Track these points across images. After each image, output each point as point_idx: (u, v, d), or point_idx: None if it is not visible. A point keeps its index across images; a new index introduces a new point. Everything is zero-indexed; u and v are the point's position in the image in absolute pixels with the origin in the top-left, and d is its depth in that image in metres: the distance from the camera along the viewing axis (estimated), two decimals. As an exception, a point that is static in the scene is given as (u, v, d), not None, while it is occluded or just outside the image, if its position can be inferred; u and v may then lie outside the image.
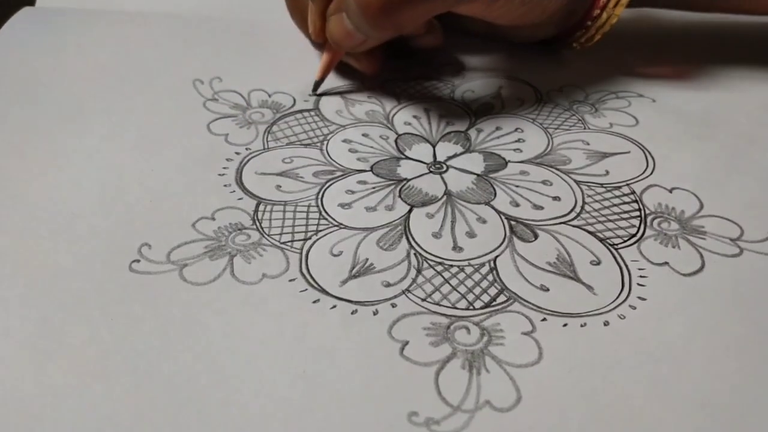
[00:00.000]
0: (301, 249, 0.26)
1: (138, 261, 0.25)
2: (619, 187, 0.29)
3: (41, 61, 0.36)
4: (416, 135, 0.32)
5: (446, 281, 0.25)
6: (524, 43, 0.39)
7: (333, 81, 0.36)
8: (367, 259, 0.25)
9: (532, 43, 0.38)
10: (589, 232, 0.27)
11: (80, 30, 0.38)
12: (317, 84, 0.35)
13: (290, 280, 0.25)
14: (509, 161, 0.31)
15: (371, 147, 0.32)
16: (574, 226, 0.27)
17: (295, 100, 0.35)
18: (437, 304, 0.24)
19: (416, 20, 0.31)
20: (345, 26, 0.31)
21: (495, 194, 0.29)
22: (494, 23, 0.34)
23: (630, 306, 0.24)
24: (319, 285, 0.24)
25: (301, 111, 0.34)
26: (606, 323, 0.23)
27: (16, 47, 0.36)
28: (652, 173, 0.30)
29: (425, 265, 0.25)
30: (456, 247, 0.26)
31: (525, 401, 0.21)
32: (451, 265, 0.25)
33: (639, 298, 0.24)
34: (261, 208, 0.28)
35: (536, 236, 0.27)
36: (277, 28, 0.40)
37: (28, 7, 0.40)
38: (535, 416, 0.20)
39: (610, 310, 0.24)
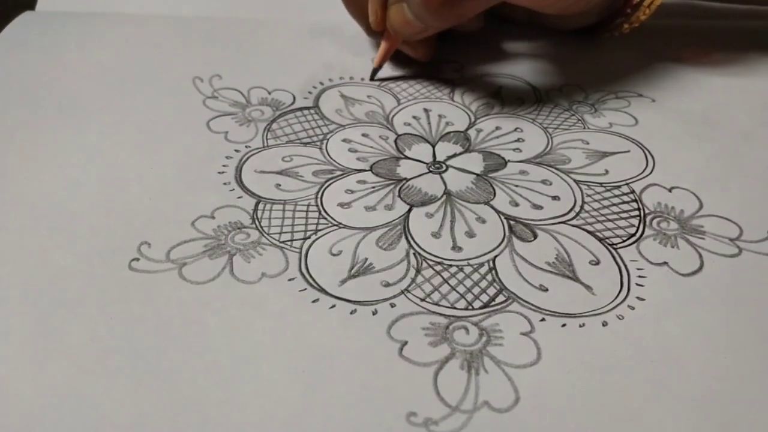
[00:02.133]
0: (301, 248, 0.26)
1: (137, 259, 0.25)
2: (619, 187, 0.29)
3: (41, 62, 0.36)
4: (416, 135, 0.32)
5: (445, 281, 0.25)
6: (564, 30, 0.40)
7: (386, 70, 0.37)
8: (366, 259, 0.25)
9: (572, 31, 0.39)
10: (589, 232, 0.27)
11: (80, 32, 0.38)
12: (375, 71, 0.36)
13: (289, 280, 0.25)
14: (509, 161, 0.31)
15: (371, 147, 0.32)
16: (573, 225, 0.27)
17: (294, 98, 0.35)
18: (436, 304, 0.24)
19: (477, 10, 0.32)
20: (406, 16, 0.32)
21: (494, 194, 0.29)
22: (540, 12, 0.35)
23: (629, 306, 0.24)
24: (318, 284, 0.24)
25: (300, 109, 0.34)
26: (604, 323, 0.23)
27: (17, 50, 0.36)
28: (651, 172, 0.30)
29: (424, 264, 0.25)
30: (455, 247, 0.26)
31: (523, 402, 0.21)
32: (450, 265, 0.25)
33: (638, 298, 0.24)
34: (260, 206, 0.28)
35: (535, 236, 0.27)
36: (277, 26, 0.40)
37: (29, 11, 0.40)
38: (534, 417, 0.20)
39: (608, 311, 0.24)
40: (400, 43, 0.35)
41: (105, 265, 0.25)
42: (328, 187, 0.29)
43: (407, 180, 0.30)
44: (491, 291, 0.24)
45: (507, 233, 0.27)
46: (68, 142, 0.31)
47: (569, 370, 0.22)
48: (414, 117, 0.34)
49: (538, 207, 0.28)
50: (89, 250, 0.25)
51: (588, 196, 0.29)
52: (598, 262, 0.26)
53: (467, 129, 0.33)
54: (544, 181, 0.30)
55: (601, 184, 0.29)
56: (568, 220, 0.27)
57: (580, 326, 0.23)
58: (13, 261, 0.25)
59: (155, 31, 0.39)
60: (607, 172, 0.30)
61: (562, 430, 0.20)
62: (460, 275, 0.25)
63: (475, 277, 0.25)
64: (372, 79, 0.36)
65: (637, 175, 0.30)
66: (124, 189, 0.28)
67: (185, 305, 0.24)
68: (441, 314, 0.24)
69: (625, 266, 0.25)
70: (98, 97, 0.34)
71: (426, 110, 0.34)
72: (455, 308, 0.24)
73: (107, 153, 0.30)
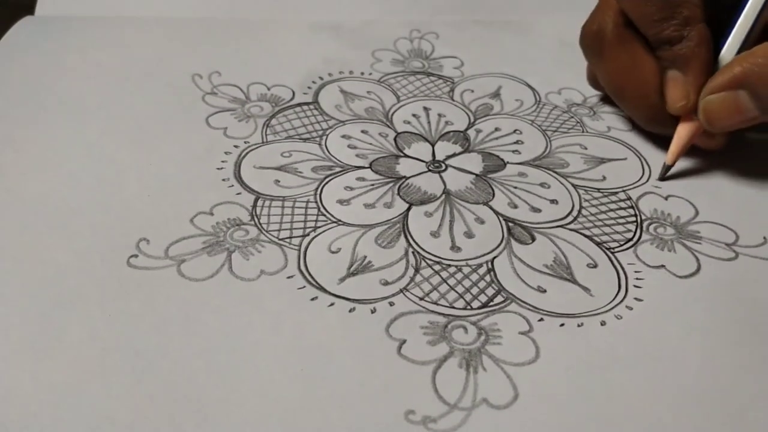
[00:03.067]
0: (300, 245, 0.26)
1: (136, 256, 0.25)
2: (616, 193, 0.29)
3: (42, 63, 0.36)
4: (415, 134, 0.33)
5: (444, 281, 0.25)
6: None
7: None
8: (365, 257, 0.26)
9: None
10: (586, 236, 0.27)
11: (80, 35, 0.38)
12: (667, 169, 0.30)
13: (288, 277, 0.25)
14: (508, 162, 0.31)
15: (370, 144, 0.32)
16: (571, 229, 0.27)
17: (294, 93, 0.35)
18: (435, 303, 0.24)
19: None
20: (740, 104, 0.28)
21: (493, 195, 0.29)
22: None
23: (627, 307, 0.24)
24: (317, 282, 0.24)
25: (300, 104, 0.34)
26: (603, 323, 0.23)
27: (18, 55, 0.36)
28: (648, 180, 0.30)
29: (423, 264, 0.25)
30: (454, 247, 0.26)
31: (521, 399, 0.21)
32: (449, 265, 0.25)
33: (635, 299, 0.24)
34: (259, 203, 0.28)
35: (533, 239, 0.27)
36: (276, 23, 0.40)
37: (29, 16, 0.40)
38: (532, 414, 0.21)
39: (606, 311, 0.24)
40: (701, 132, 0.30)
41: (104, 261, 0.25)
42: (327, 183, 0.29)
43: (406, 178, 0.30)
44: (490, 291, 0.24)
45: (505, 235, 0.27)
46: (67, 139, 0.31)
47: (567, 367, 0.22)
48: (414, 115, 0.34)
49: (537, 210, 0.28)
50: (88, 246, 0.25)
51: (586, 200, 0.29)
52: (595, 265, 0.26)
53: (467, 129, 0.33)
54: (542, 184, 0.30)
55: (598, 189, 0.30)
56: (566, 224, 0.28)
57: (579, 326, 0.23)
58: (12, 258, 0.25)
59: (155, 31, 0.39)
60: (604, 178, 0.30)
61: (560, 427, 0.20)
62: (459, 275, 0.25)
63: (474, 277, 0.25)
64: (662, 178, 0.30)
65: (634, 183, 0.30)
66: (123, 185, 0.28)
67: (184, 302, 0.23)
68: (440, 313, 0.24)
69: (623, 269, 0.26)
70: (97, 94, 0.34)
71: (426, 109, 0.34)
72: (454, 307, 0.24)
73: (106, 149, 0.30)
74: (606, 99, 0.35)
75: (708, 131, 0.29)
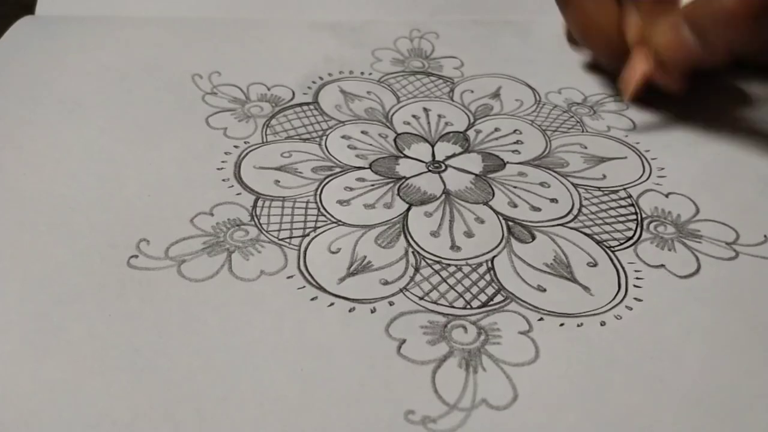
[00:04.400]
0: (300, 246, 0.26)
1: (136, 257, 0.25)
2: (616, 191, 0.29)
3: (42, 63, 0.36)
4: (415, 135, 0.33)
5: (444, 280, 0.25)
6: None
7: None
8: (365, 257, 0.26)
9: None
10: (586, 235, 0.27)
11: (81, 34, 0.38)
12: (623, 103, 0.33)
13: (288, 277, 0.25)
14: (507, 162, 0.31)
15: (370, 145, 0.32)
16: (571, 228, 0.27)
17: (294, 94, 0.35)
18: (435, 302, 0.24)
19: None
20: (682, 37, 0.28)
21: (493, 194, 0.29)
22: None
23: (626, 307, 0.24)
24: (317, 282, 0.24)
25: (300, 105, 0.34)
26: (603, 323, 0.23)
27: (18, 54, 0.36)
28: (648, 178, 0.30)
29: (423, 263, 0.25)
30: (454, 247, 0.26)
31: (521, 400, 0.21)
32: (449, 264, 0.25)
33: (635, 299, 0.24)
34: (259, 203, 0.28)
35: (534, 237, 0.27)
36: (276, 22, 0.40)
37: (29, 16, 0.40)
38: (532, 415, 0.21)
39: (606, 311, 0.24)
40: (658, 69, 0.30)
41: (103, 261, 0.25)
42: (327, 184, 0.29)
43: (406, 178, 0.30)
44: (489, 291, 0.24)
45: (505, 234, 0.27)
46: (67, 138, 0.31)
47: (567, 368, 0.22)
48: (413, 116, 0.34)
49: (537, 209, 0.28)
50: (88, 246, 0.25)
51: (586, 199, 0.29)
52: (595, 264, 0.26)
53: (466, 129, 0.33)
54: (542, 184, 0.30)
55: (598, 188, 0.30)
56: (567, 223, 0.28)
57: (578, 326, 0.23)
58: (12, 257, 0.25)
59: (155, 31, 0.39)
60: (604, 176, 0.30)
61: (560, 428, 0.20)
62: (459, 275, 0.25)
63: (474, 276, 0.25)
64: (620, 101, 0.33)
65: (634, 181, 0.30)
66: (123, 185, 0.28)
67: (184, 303, 0.23)
68: (439, 313, 0.24)
69: (623, 268, 0.26)
70: (97, 94, 0.34)
71: (425, 109, 0.34)
72: (453, 307, 0.24)
73: (106, 149, 0.30)
74: (606, 99, 0.35)
75: (665, 69, 0.30)
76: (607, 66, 0.33)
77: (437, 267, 0.25)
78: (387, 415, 0.20)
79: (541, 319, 0.24)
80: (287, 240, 0.26)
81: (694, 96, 0.35)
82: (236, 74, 0.36)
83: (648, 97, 0.34)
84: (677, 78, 0.31)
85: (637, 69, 0.30)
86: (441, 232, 0.27)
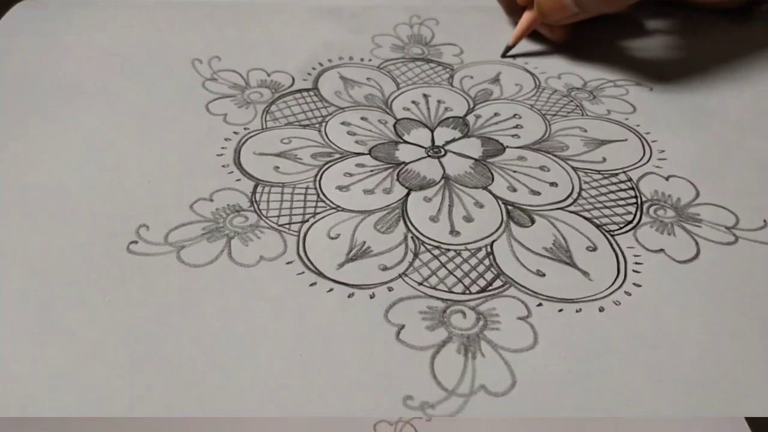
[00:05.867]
0: (299, 231, 0.26)
1: (136, 242, 0.25)
2: (616, 174, 0.29)
3: (41, 47, 0.36)
4: (414, 120, 0.32)
5: (443, 265, 0.25)
6: (716, 9, 0.40)
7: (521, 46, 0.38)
8: (364, 242, 0.26)
9: (722, 10, 0.40)
10: (586, 218, 0.27)
11: (80, 17, 0.38)
12: (508, 48, 0.37)
13: (287, 263, 0.25)
14: (507, 147, 0.31)
15: (370, 131, 0.32)
16: (570, 211, 0.27)
17: (294, 80, 0.35)
18: (434, 288, 0.24)
19: None
20: (562, 1, 0.33)
21: (492, 179, 0.29)
22: None
23: (625, 292, 0.24)
24: (316, 268, 0.25)
25: (300, 91, 0.34)
26: (601, 309, 0.23)
27: (16, 37, 0.36)
28: (648, 161, 0.30)
29: (422, 248, 0.25)
30: (453, 231, 0.26)
31: (520, 386, 0.21)
32: (448, 249, 0.25)
33: (634, 284, 0.24)
34: (259, 189, 0.28)
35: (533, 221, 0.27)
36: (276, 7, 0.40)
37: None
38: (530, 400, 0.21)
39: (605, 296, 0.24)
40: (539, 22, 0.36)
41: (103, 247, 0.25)
42: (326, 170, 0.29)
43: (406, 164, 0.30)
44: (489, 275, 0.25)
45: (505, 218, 0.27)
46: (67, 125, 0.31)
47: (565, 354, 0.22)
48: (413, 102, 0.34)
49: (536, 193, 0.28)
50: (88, 232, 0.25)
51: (586, 183, 0.29)
52: (595, 249, 0.26)
53: (466, 114, 0.33)
54: (542, 168, 0.30)
55: (598, 171, 0.29)
56: (566, 207, 0.28)
57: (577, 311, 0.23)
58: (13, 243, 0.25)
59: (154, 15, 0.39)
60: (604, 159, 0.30)
61: (558, 414, 0.20)
62: (458, 260, 0.25)
63: (473, 261, 0.25)
64: (504, 55, 0.37)
65: (635, 164, 0.30)
66: (123, 171, 0.28)
67: (183, 288, 0.24)
68: (438, 298, 0.24)
69: (622, 253, 0.26)
70: (97, 80, 0.34)
71: (425, 95, 0.34)
72: (453, 292, 0.24)
73: (106, 135, 0.30)
74: (606, 84, 0.35)
75: (547, 23, 0.36)
76: (509, 15, 0.39)
77: (436, 252, 0.25)
78: (386, 401, 0.21)
79: (539, 304, 0.24)
80: (287, 226, 0.26)
81: (695, 78, 0.35)
82: (236, 60, 0.36)
83: (646, 83, 0.34)
84: (558, 30, 0.37)
85: (523, 23, 0.36)
86: (440, 217, 0.27)
